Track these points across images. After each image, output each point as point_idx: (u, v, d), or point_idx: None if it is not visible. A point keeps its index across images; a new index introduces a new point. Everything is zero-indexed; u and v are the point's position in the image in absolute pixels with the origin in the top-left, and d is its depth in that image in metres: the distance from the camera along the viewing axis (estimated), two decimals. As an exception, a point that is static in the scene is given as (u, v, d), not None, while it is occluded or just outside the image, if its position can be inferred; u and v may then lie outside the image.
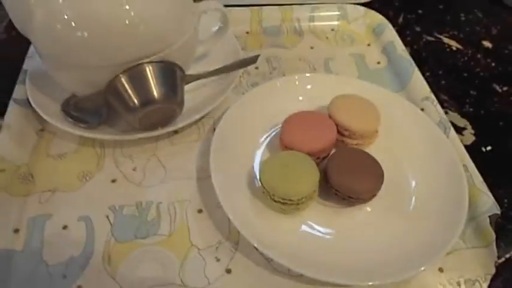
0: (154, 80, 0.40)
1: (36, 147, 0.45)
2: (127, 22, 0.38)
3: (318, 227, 0.39)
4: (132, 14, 0.38)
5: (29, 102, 0.46)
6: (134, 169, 0.44)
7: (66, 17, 0.38)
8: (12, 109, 0.46)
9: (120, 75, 0.39)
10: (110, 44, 0.38)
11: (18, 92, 0.47)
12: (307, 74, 0.49)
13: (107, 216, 0.40)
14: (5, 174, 0.41)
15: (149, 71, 0.39)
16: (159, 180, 0.43)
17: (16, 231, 0.39)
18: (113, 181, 0.43)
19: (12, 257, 0.37)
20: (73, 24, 0.38)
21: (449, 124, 0.47)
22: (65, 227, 0.39)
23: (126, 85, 0.39)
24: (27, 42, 0.43)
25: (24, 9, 0.38)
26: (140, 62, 0.39)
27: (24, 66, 0.50)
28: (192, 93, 0.47)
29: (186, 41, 0.42)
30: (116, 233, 0.39)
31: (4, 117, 0.45)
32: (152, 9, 0.39)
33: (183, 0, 0.42)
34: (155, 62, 0.40)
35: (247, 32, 0.60)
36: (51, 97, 0.46)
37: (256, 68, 0.54)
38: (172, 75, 0.41)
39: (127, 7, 0.38)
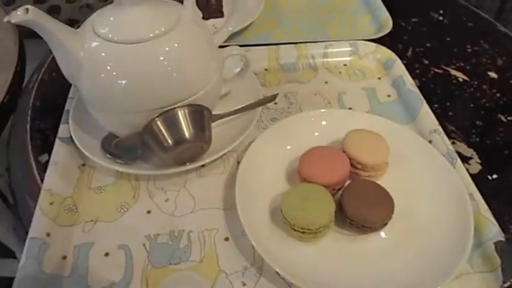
0: (185, 122, 0.45)
1: (79, 181, 0.50)
2: (162, 73, 0.43)
3: (334, 253, 0.43)
4: (166, 63, 0.43)
5: (72, 140, 0.51)
6: (167, 200, 0.48)
7: (109, 68, 0.43)
8: (58, 147, 0.51)
9: (156, 119, 0.44)
10: (147, 91, 0.43)
11: (62, 131, 0.53)
12: (322, 110, 0.54)
13: (144, 244, 0.44)
14: (54, 206, 0.46)
15: (181, 114, 0.44)
16: (189, 211, 0.47)
17: (64, 258, 0.43)
18: (148, 212, 0.47)
19: (60, 282, 0.42)
20: (114, 74, 0.43)
21: (456, 155, 0.51)
22: (106, 254, 0.44)
23: (161, 127, 0.44)
24: (66, 82, 0.48)
25: (74, 62, 0.44)
26: (173, 106, 0.44)
27: (67, 107, 0.56)
28: (217, 129, 0.51)
29: (212, 86, 0.47)
30: (152, 260, 0.43)
31: (51, 155, 0.51)
32: (184, 61, 0.44)
33: (210, 51, 0.48)
34: (186, 106, 0.45)
35: (266, 69, 0.65)
36: (91, 135, 0.51)
37: (275, 103, 0.59)
38: (201, 117, 0.46)
39: (161, 58, 0.43)
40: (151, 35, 0.43)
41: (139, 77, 0.43)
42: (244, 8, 0.71)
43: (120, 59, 0.43)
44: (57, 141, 0.52)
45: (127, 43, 0.42)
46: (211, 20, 0.73)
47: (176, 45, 0.44)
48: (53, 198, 0.47)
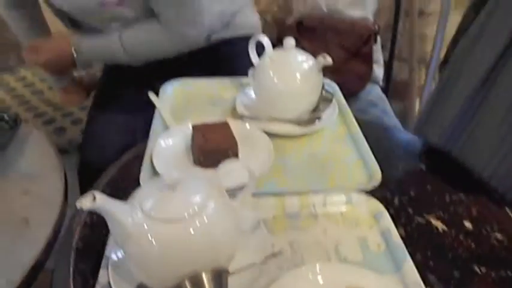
0: (208, 283, 0.55)
1: (114, 325, 0.59)
2: (193, 246, 0.54)
3: None
4: (197, 238, 0.55)
5: (110, 286, 0.61)
6: None
7: (150, 238, 0.55)
8: (98, 292, 0.61)
9: (185, 280, 0.55)
10: (180, 260, 0.54)
11: (102, 276, 0.63)
12: (318, 267, 0.63)
13: None
14: None
15: (205, 277, 0.55)
16: None
17: None
18: None
19: None
20: (154, 244, 0.55)
21: (434, 310, 0.60)
22: None
23: (189, 287, 0.55)
24: (105, 226, 0.58)
25: (123, 232, 0.55)
26: (199, 272, 0.55)
27: (106, 253, 0.67)
28: (231, 279, 0.61)
29: (232, 252, 0.58)
30: None
31: (93, 301, 0.60)
32: (212, 235, 0.56)
33: (233, 222, 0.59)
34: (210, 270, 0.56)
35: (274, 216, 0.76)
36: (126, 281, 0.61)
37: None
38: (220, 277, 0.57)
39: (193, 233, 0.55)
40: (186, 215, 0.55)
41: (175, 248, 0.54)
42: (257, 160, 0.85)
43: (159, 233, 0.54)
44: (97, 286, 0.62)
45: (165, 222, 0.54)
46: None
47: (206, 221, 0.55)
48: None
